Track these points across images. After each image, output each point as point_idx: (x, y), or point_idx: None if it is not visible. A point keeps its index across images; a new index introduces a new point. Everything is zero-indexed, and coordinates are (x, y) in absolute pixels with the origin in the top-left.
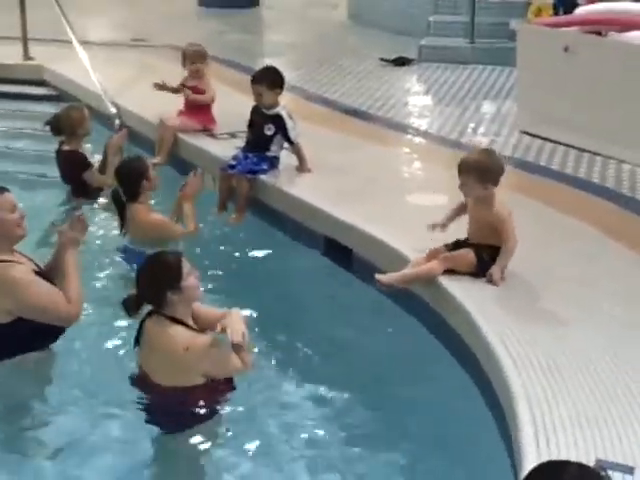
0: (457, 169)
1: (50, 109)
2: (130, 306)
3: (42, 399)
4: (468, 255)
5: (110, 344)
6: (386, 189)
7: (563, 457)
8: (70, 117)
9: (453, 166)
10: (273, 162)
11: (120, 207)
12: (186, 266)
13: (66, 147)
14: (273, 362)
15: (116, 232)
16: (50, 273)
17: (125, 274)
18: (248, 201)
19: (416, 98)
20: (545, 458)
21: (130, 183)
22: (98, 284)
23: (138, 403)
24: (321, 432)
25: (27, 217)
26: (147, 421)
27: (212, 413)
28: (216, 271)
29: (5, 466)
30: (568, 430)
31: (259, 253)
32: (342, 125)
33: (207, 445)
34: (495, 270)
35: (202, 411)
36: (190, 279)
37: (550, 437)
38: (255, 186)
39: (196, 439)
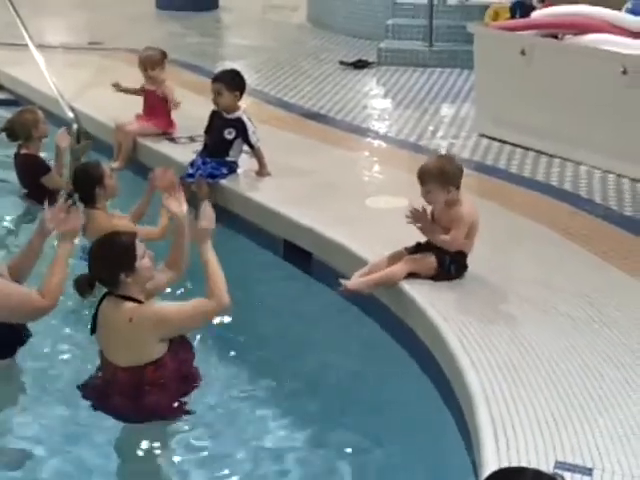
0: (418, 178)
1: (6, 113)
2: (82, 288)
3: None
4: (430, 259)
5: (73, 337)
6: (346, 192)
7: (523, 459)
8: (24, 120)
9: (412, 169)
10: (232, 167)
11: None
12: (140, 247)
13: (24, 151)
14: (233, 364)
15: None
16: (20, 260)
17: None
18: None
19: (375, 101)
20: (505, 460)
21: (85, 189)
22: None
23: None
24: (288, 429)
25: None
26: (110, 413)
27: (181, 399)
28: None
29: None
30: (527, 432)
31: (218, 257)
32: (301, 128)
33: (172, 438)
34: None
35: (168, 394)
36: (144, 260)
37: (510, 439)
38: (215, 190)
39: (161, 431)
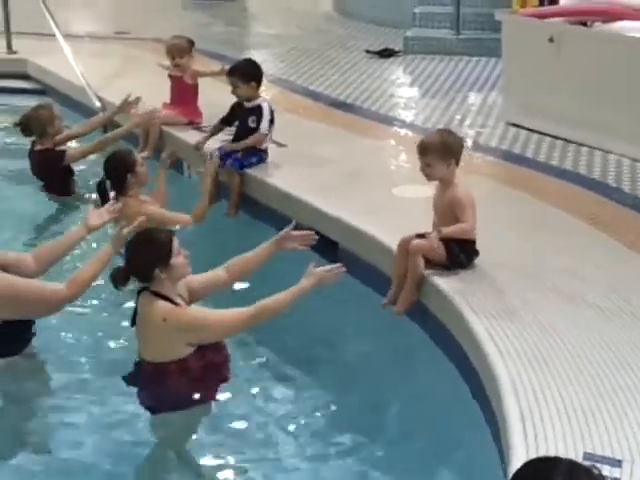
0: (418, 151)
1: (35, 103)
2: (117, 279)
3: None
4: (440, 251)
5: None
6: (372, 181)
7: (551, 450)
8: (39, 116)
9: None
10: (261, 156)
11: (103, 197)
12: (176, 244)
13: (38, 147)
14: (263, 353)
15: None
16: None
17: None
18: (240, 195)
19: (402, 90)
20: (533, 451)
21: (117, 176)
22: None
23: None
24: (315, 420)
25: (4, 212)
26: (142, 403)
27: (207, 392)
28: (204, 265)
29: None
30: (556, 422)
31: (245, 247)
32: (328, 117)
33: (199, 428)
34: (434, 234)
35: (196, 388)
36: (179, 257)
37: (538, 429)
38: (244, 180)
39: (189, 421)
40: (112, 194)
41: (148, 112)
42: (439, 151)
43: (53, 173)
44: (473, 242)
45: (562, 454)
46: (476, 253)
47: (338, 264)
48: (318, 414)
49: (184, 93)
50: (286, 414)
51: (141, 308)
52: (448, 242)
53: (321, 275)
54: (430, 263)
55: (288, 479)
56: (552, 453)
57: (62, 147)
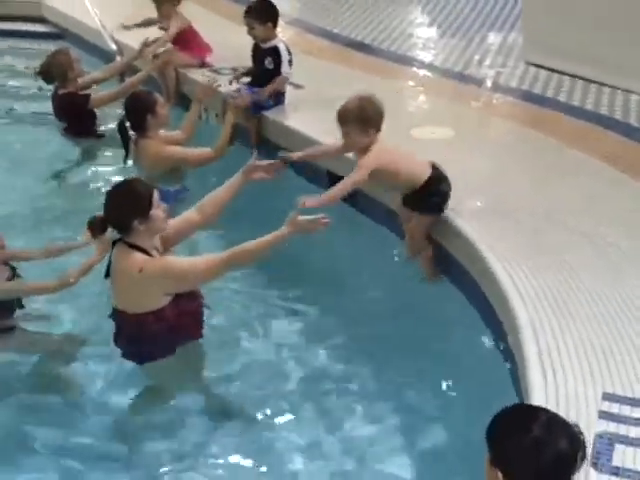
0: (337, 120)
1: (50, 46)
2: (95, 229)
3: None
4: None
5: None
6: (390, 123)
7: (570, 391)
8: (58, 62)
9: (458, 99)
10: (279, 98)
11: (124, 137)
12: (156, 197)
13: (62, 91)
14: (272, 295)
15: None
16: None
17: None
18: (259, 137)
19: (420, 30)
20: (552, 392)
21: (137, 117)
22: None
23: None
24: (317, 365)
25: (25, 154)
26: (124, 355)
27: (185, 338)
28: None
29: None
30: (575, 364)
31: (264, 188)
32: (345, 58)
33: (183, 373)
34: (324, 195)
35: (174, 336)
36: (158, 210)
37: (557, 371)
38: (261, 122)
39: (171, 367)
40: (132, 134)
41: (164, 53)
42: (357, 120)
43: (76, 116)
44: (428, 184)
45: (581, 395)
46: (442, 191)
47: (322, 215)
48: (326, 352)
49: (180, 39)
50: (294, 348)
51: (116, 259)
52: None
53: (302, 224)
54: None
55: (294, 416)
56: (571, 394)
57: (86, 91)
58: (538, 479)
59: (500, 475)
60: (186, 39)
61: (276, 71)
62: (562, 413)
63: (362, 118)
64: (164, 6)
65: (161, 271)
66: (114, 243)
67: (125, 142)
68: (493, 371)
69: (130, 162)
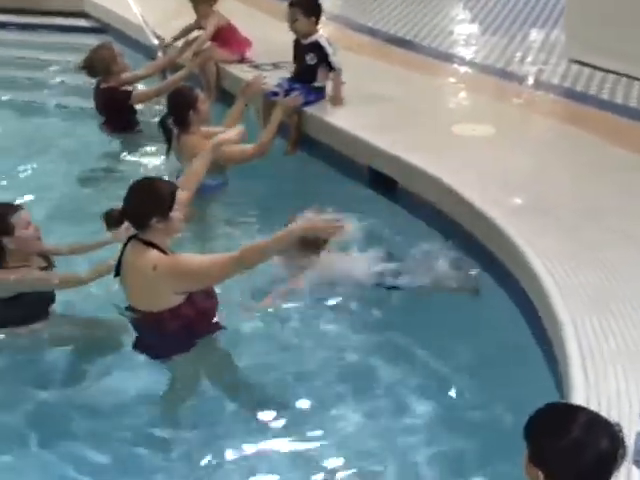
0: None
1: (92, 41)
2: (111, 221)
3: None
4: None
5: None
6: (432, 119)
7: (612, 389)
8: (101, 56)
9: (500, 96)
10: (320, 94)
11: (167, 133)
12: (177, 199)
13: (104, 85)
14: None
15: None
16: None
17: None
18: (299, 133)
19: (462, 26)
20: (593, 391)
21: (179, 113)
22: None
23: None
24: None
25: (67, 148)
26: (141, 351)
27: (199, 335)
28: (260, 202)
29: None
30: (617, 362)
31: (304, 185)
32: (386, 55)
33: (201, 369)
34: None
35: (189, 334)
36: (178, 213)
37: (599, 369)
38: (302, 118)
39: (189, 363)
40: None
41: (204, 51)
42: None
43: (117, 111)
44: None
45: (623, 393)
46: None
47: (336, 217)
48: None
49: (218, 36)
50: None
51: (130, 257)
52: None
53: (313, 223)
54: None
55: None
56: (613, 392)
57: (127, 87)
58: (581, 479)
59: (541, 475)
60: (225, 36)
61: (319, 65)
62: (603, 412)
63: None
64: (201, 6)
65: (175, 269)
66: (128, 240)
67: (168, 137)
68: (533, 369)
69: (171, 157)
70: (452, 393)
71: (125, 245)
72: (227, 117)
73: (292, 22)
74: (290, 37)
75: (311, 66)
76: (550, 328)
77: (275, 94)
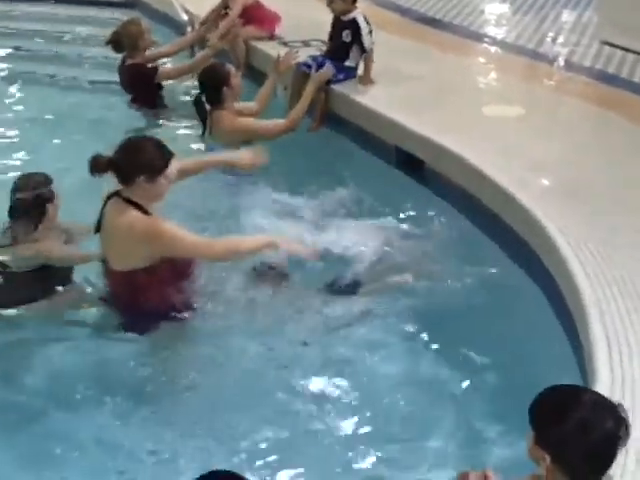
0: None
1: (122, 16)
2: (97, 167)
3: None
4: None
5: None
6: (461, 99)
7: (637, 374)
8: (129, 32)
9: (530, 77)
10: (350, 73)
11: (201, 111)
12: (172, 168)
13: (129, 61)
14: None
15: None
16: None
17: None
18: (325, 110)
19: (493, 6)
20: (618, 375)
21: (212, 89)
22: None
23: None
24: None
25: (94, 122)
26: (124, 326)
27: (181, 305)
28: (287, 179)
29: None
30: None
31: (330, 164)
32: (417, 34)
33: (179, 343)
34: None
35: (167, 295)
36: (167, 181)
37: (623, 354)
38: (331, 95)
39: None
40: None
41: (233, 29)
42: None
43: (143, 87)
44: None
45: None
46: None
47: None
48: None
49: (245, 14)
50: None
51: (110, 214)
52: None
53: (296, 246)
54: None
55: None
56: (637, 378)
57: (154, 64)
58: (588, 460)
59: (548, 457)
60: (253, 14)
61: (353, 43)
62: (628, 395)
63: None
64: None
65: (152, 232)
66: (108, 198)
67: (203, 117)
68: (558, 352)
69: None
70: (475, 377)
71: (106, 202)
72: (258, 94)
73: (329, 2)
74: (321, 14)
75: (346, 43)
76: (575, 311)
77: (308, 66)
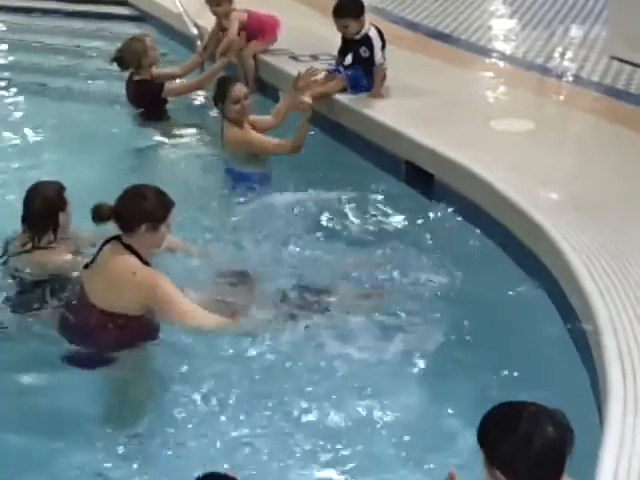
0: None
1: (133, 29)
2: (100, 215)
3: None
4: None
5: None
6: (470, 114)
7: None
8: (133, 49)
9: (539, 91)
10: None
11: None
12: (172, 216)
13: (136, 77)
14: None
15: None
16: None
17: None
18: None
19: (501, 21)
20: (631, 394)
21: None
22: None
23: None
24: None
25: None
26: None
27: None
28: (295, 194)
29: None
30: None
31: (338, 177)
32: (425, 48)
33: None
34: None
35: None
36: (167, 229)
37: (637, 372)
38: (334, 106)
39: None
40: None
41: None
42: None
43: (149, 102)
44: None
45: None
46: None
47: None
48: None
49: (245, 32)
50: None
51: (107, 255)
52: None
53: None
54: None
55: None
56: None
57: (160, 80)
58: (534, 470)
59: (499, 474)
60: (251, 29)
61: (372, 58)
62: None
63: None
64: (223, 7)
65: (152, 284)
66: (108, 240)
67: (220, 129)
68: (570, 368)
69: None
70: (486, 392)
71: (104, 243)
72: (275, 108)
73: (342, 29)
74: (328, 30)
75: (365, 58)
76: (588, 327)
77: (338, 71)
